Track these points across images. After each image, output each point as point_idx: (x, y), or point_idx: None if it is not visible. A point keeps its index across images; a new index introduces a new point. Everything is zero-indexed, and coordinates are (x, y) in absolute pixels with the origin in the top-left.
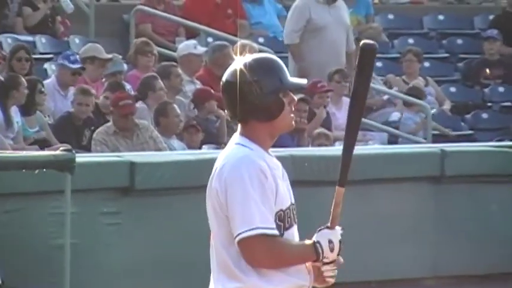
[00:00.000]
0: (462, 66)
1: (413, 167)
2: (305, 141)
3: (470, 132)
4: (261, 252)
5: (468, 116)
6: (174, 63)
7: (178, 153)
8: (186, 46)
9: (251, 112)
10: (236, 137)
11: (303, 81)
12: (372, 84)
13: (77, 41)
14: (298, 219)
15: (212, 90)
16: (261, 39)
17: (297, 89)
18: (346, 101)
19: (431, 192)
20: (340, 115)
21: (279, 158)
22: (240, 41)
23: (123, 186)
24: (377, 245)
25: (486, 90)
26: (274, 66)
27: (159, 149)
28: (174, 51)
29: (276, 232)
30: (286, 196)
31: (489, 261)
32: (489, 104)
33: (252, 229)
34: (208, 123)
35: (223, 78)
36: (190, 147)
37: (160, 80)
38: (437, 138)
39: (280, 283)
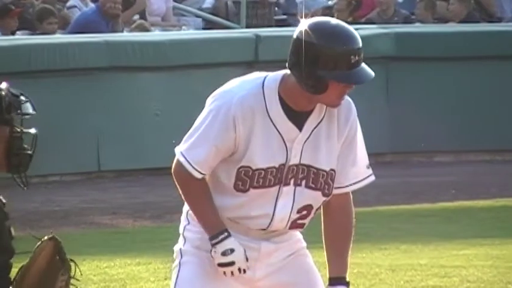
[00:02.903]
0: None
1: (228, 52)
2: (119, 27)
3: (284, 17)
4: (176, 173)
5: (282, 1)
6: None
7: None
8: None
9: (297, 72)
10: (278, 72)
11: (358, 78)
12: None
13: None
14: (116, 103)
15: None
16: None
17: (348, 83)
18: None
19: None
20: (155, 0)
21: (92, 43)
22: None
23: None
24: None
25: None
26: (340, 51)
27: None
28: None
29: (195, 174)
30: (271, 157)
31: None
32: None
33: (181, 152)
34: (23, 8)
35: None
36: (4, 33)
37: None
38: (251, 23)
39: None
